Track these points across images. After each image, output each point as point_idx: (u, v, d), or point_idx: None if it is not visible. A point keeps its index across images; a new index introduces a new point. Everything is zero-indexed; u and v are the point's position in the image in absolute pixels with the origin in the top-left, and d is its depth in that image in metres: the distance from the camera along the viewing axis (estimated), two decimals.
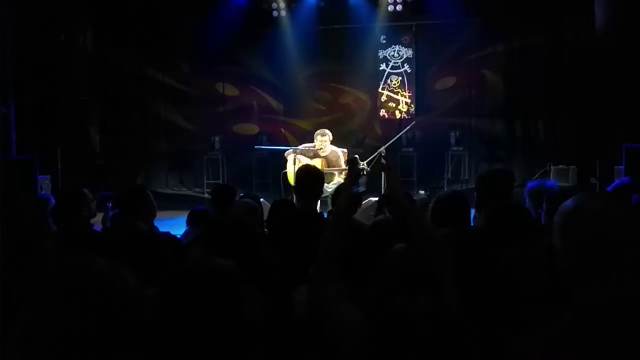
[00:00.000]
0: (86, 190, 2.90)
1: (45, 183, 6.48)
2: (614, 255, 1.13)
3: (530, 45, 8.71)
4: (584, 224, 1.15)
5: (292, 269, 2.33)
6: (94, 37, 8.89)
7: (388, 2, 8.76)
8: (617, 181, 3.10)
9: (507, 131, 9.07)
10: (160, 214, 6.28)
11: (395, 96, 9.31)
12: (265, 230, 3.23)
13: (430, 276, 1.74)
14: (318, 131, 6.26)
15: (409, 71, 9.25)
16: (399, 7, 8.78)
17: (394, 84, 9.30)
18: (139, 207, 2.86)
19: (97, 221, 3.58)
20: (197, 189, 9.32)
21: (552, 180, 5.09)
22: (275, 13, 8.98)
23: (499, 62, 9.00)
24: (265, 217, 3.52)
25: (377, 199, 5.82)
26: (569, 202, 1.20)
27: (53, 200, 3.64)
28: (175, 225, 4.70)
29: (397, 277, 1.81)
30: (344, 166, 6.00)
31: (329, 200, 5.13)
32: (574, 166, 7.64)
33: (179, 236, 3.69)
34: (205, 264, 1.42)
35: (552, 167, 7.82)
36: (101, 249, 2.56)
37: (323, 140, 6.10)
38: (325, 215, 3.77)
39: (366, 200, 5.86)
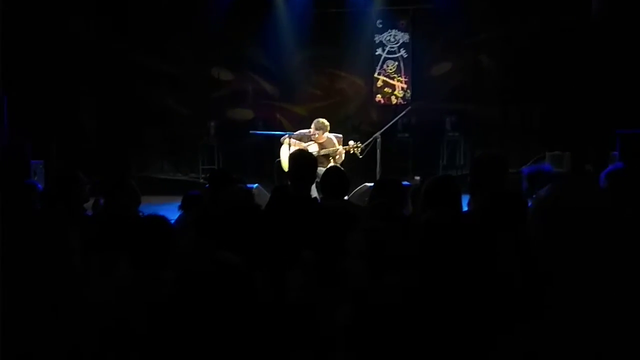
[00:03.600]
0: (81, 174, 2.89)
1: (38, 168, 6.45)
2: (582, 241, 1.14)
3: (526, 31, 8.67)
4: (553, 212, 1.16)
5: (286, 253, 2.34)
6: (88, 23, 8.79)
7: None
8: (610, 167, 3.11)
9: (503, 117, 9.06)
10: (155, 199, 6.29)
11: (391, 81, 9.27)
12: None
13: (406, 257, 1.74)
14: (316, 121, 6.20)
15: (405, 56, 9.20)
16: None
17: (390, 69, 9.25)
18: (121, 194, 2.85)
19: (89, 207, 3.57)
20: (193, 175, 9.30)
21: (547, 164, 5.10)
22: None
23: (496, 47, 8.96)
24: (261, 203, 3.52)
25: (372, 184, 5.85)
26: (541, 191, 1.21)
27: (40, 187, 3.63)
28: (170, 210, 4.70)
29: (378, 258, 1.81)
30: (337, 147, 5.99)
31: None
32: (568, 152, 7.67)
33: (172, 221, 3.70)
34: (215, 261, 1.41)
35: (546, 153, 7.85)
36: (90, 233, 2.56)
37: (320, 133, 6.08)
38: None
39: (361, 186, 5.88)
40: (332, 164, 5.92)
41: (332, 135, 6.22)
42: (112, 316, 1.69)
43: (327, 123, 6.13)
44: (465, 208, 2.96)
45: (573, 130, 8.11)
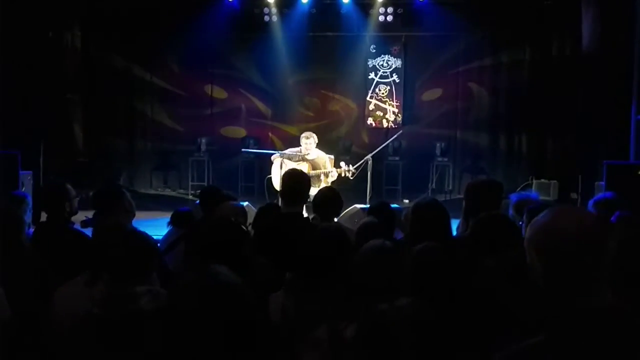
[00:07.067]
0: (69, 186, 2.86)
1: (27, 179, 6.37)
2: (585, 267, 1.14)
3: (516, 60, 8.87)
4: (555, 238, 1.15)
5: (276, 273, 2.32)
6: (83, 35, 8.80)
7: (379, 12, 8.85)
8: (599, 195, 3.15)
9: (491, 144, 9.19)
10: (142, 215, 6.22)
11: (383, 105, 9.37)
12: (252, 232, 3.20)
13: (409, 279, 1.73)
14: (303, 134, 6.24)
15: (397, 81, 9.32)
16: (389, 18, 8.88)
17: (382, 93, 9.36)
18: (116, 207, 2.80)
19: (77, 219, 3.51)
20: (181, 191, 9.24)
21: (535, 193, 5.15)
22: (266, 18, 8.99)
23: (486, 75, 9.13)
24: (250, 221, 3.50)
25: (362, 206, 5.85)
26: (539, 217, 1.21)
27: (29, 198, 3.57)
28: (156, 226, 4.66)
29: (376, 280, 1.79)
30: (329, 169, 5.99)
31: None
32: (555, 180, 7.76)
33: (161, 237, 3.66)
34: (214, 278, 1.36)
35: (534, 181, 7.94)
36: (81, 246, 2.53)
37: (308, 143, 6.06)
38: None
39: (351, 207, 5.87)
40: (323, 184, 5.91)
41: (324, 155, 6.22)
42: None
43: (313, 134, 6.17)
44: (454, 232, 2.97)
45: (560, 159, 8.23)
